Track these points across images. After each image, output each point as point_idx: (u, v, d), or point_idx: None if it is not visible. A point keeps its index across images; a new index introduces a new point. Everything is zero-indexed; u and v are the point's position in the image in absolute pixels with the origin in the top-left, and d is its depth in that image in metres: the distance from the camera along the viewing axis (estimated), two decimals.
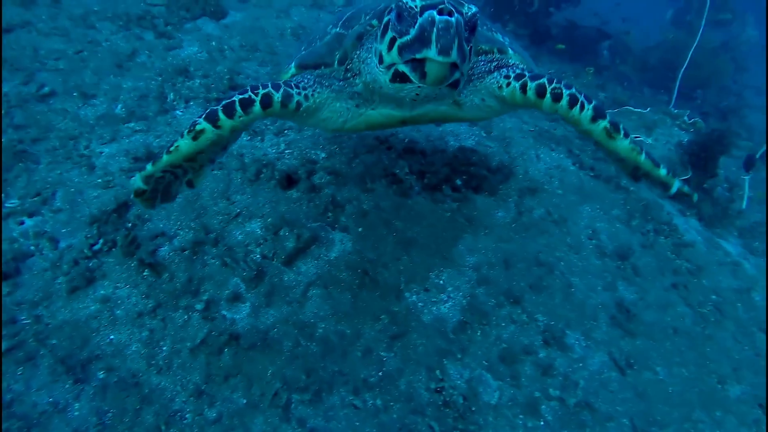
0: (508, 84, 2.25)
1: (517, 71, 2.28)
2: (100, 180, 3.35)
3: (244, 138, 3.89)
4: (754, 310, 4.50)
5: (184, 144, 2.01)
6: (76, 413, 2.30)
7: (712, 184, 5.80)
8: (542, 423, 2.80)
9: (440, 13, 1.61)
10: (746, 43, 10.76)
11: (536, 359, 3.06)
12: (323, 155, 3.92)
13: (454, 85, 1.84)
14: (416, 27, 1.65)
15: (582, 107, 2.15)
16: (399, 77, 1.80)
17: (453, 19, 1.62)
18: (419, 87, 1.80)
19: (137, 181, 2.18)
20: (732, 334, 4.05)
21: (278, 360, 2.60)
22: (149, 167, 2.12)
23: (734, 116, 10.59)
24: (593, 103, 2.16)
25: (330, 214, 3.43)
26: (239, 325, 2.69)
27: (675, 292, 4.14)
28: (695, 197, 2.47)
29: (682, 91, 10.40)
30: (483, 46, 2.34)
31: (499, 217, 3.81)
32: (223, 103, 2.02)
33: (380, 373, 2.71)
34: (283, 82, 2.18)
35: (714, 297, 4.31)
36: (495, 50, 2.38)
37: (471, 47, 1.83)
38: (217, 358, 2.52)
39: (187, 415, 2.36)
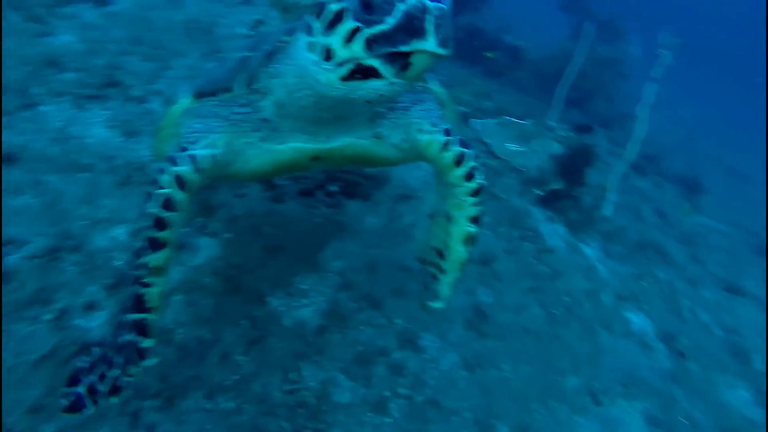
0: (432, 132, 2.17)
1: (446, 126, 2.22)
2: None
3: (118, 139, 3.90)
4: (600, 309, 5.17)
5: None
6: None
7: (579, 193, 6.49)
8: (390, 420, 3.12)
9: None
10: (631, 58, 11.93)
11: (389, 360, 3.39)
12: None
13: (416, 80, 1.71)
14: (400, 15, 1.45)
15: (478, 194, 2.28)
16: (361, 73, 1.56)
17: (445, 5, 1.47)
18: (390, 85, 1.57)
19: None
20: (576, 333, 4.64)
21: None
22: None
23: (618, 124, 11.74)
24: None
25: (200, 219, 3.55)
26: (93, 334, 2.76)
27: (531, 294, 4.67)
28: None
29: (571, 100, 11.37)
30: None
31: (369, 223, 4.11)
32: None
33: (236, 377, 2.90)
34: (180, 153, 1.97)
35: (566, 299, 4.90)
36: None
37: None
38: (64, 370, 2.59)
39: None
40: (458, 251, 2.45)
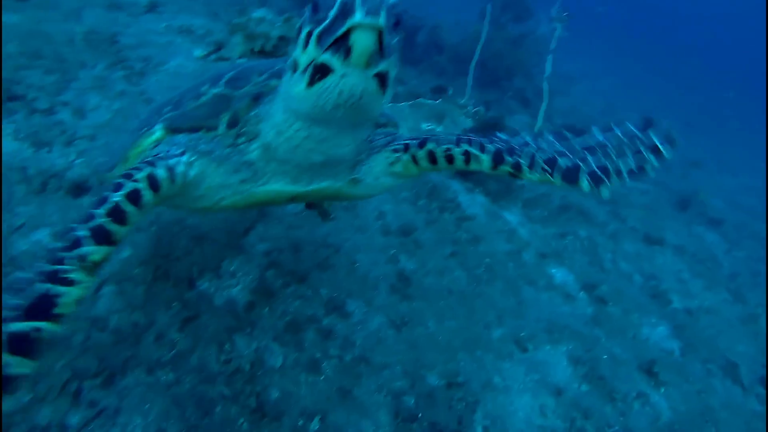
0: (398, 159, 2.29)
1: (402, 142, 2.32)
2: None
3: (28, 150, 4.14)
4: (522, 267, 5.80)
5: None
6: None
7: None
8: (322, 377, 3.56)
9: None
10: (542, 37, 12.89)
11: (319, 327, 3.83)
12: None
13: (382, 81, 1.66)
14: (336, 5, 1.51)
15: (478, 160, 2.23)
16: (319, 72, 1.60)
17: None
18: (342, 77, 1.58)
19: None
20: (500, 290, 5.23)
21: (68, 354, 3.03)
22: None
23: (538, 99, 12.66)
24: (488, 150, 2.22)
25: None
26: None
27: (453, 259, 5.22)
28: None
29: (490, 80, 12.19)
30: (380, 120, 2.33)
31: (290, 207, 4.53)
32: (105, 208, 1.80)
33: (173, 353, 3.26)
34: (153, 157, 2.00)
35: (487, 260, 5.49)
36: (389, 125, 2.43)
37: (398, 41, 1.73)
38: None
39: None
40: (545, 181, 2.40)
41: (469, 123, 6.74)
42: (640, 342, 5.76)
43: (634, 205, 9.91)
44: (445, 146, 2.25)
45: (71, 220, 1.88)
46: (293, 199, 2.29)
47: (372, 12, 1.47)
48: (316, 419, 3.28)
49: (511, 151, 2.25)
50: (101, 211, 1.81)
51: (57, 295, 1.70)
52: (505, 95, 11.88)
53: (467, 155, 2.26)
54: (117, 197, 1.83)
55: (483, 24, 9.03)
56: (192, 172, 2.04)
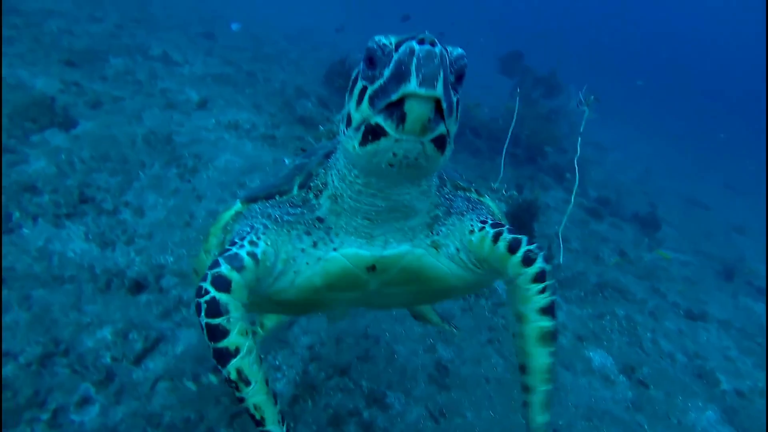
0: (481, 228, 2.05)
1: (495, 220, 2.11)
2: None
3: (95, 250, 4.52)
4: (559, 351, 5.73)
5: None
6: None
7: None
8: None
9: (420, 42, 1.41)
10: (573, 111, 13.22)
11: (360, 420, 3.92)
12: (171, 259, 4.66)
13: (440, 144, 1.53)
14: (391, 64, 1.43)
15: (542, 280, 1.98)
16: (371, 134, 1.50)
17: (437, 49, 1.40)
18: (396, 142, 1.48)
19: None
20: None
21: None
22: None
23: (572, 174, 12.81)
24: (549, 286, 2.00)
25: (176, 313, 4.14)
26: (87, 427, 3.28)
27: (490, 346, 5.28)
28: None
29: (525, 156, 12.46)
30: (461, 183, 2.21)
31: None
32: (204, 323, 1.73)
33: None
34: (229, 248, 1.88)
35: None
36: (473, 189, 2.25)
37: (459, 101, 1.59)
38: None
39: None
40: (538, 355, 2.12)
41: (502, 207, 6.93)
42: (686, 428, 5.58)
43: (675, 278, 9.75)
44: (536, 255, 1.99)
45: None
46: (372, 269, 2.01)
47: (429, 80, 1.38)
48: None
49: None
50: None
51: (248, 409, 1.78)
52: (540, 171, 12.09)
53: (541, 273, 1.99)
54: (202, 320, 1.75)
55: (514, 102, 9.37)
56: (260, 249, 1.88)
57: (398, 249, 1.99)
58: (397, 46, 1.44)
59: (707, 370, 6.81)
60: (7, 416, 3.19)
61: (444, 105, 1.43)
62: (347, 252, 1.96)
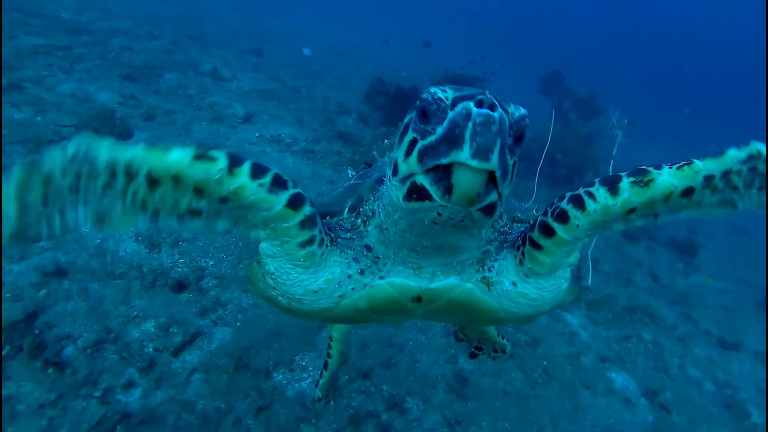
0: (523, 253, 1.87)
1: (522, 229, 1.93)
2: (8, 294, 4.25)
3: (144, 251, 4.94)
4: (581, 371, 5.88)
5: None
6: None
7: None
8: None
9: (479, 105, 1.26)
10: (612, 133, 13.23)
11: (378, 421, 4.16)
12: (212, 263, 5.03)
13: (489, 210, 1.41)
14: (445, 123, 1.29)
15: (590, 195, 1.64)
16: (416, 193, 1.39)
17: (496, 114, 1.26)
18: (441, 207, 1.37)
19: None
20: (556, 392, 5.35)
21: (163, 431, 3.55)
22: None
23: None
24: (597, 181, 1.67)
25: (213, 312, 4.49)
26: (131, 407, 3.63)
27: (511, 361, 5.43)
28: None
29: (562, 177, 12.51)
30: (518, 215, 2.06)
31: None
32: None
33: None
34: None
35: (545, 363, 5.65)
36: (531, 221, 1.99)
37: (515, 164, 1.44)
38: None
39: None
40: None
41: None
42: None
43: (710, 305, 9.60)
44: (551, 208, 1.73)
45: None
46: (418, 299, 1.95)
47: (483, 151, 1.24)
48: None
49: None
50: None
51: None
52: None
53: (577, 199, 1.67)
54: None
55: (551, 124, 9.51)
56: (322, 251, 1.80)
57: (446, 282, 1.91)
58: (454, 103, 1.30)
59: (737, 400, 6.73)
60: (69, 390, 3.59)
61: (498, 174, 1.28)
62: (394, 281, 1.91)
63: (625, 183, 1.57)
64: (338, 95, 13.19)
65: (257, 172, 1.52)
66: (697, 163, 1.54)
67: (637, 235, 11.52)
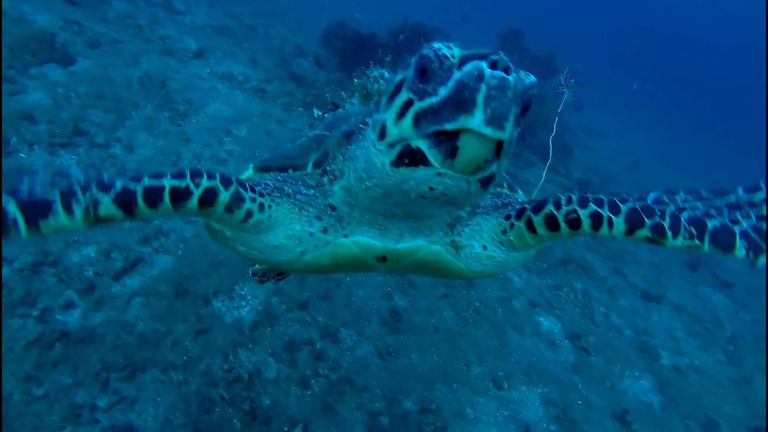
0: (512, 226, 1.85)
1: (518, 207, 1.88)
2: None
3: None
4: (511, 314, 6.30)
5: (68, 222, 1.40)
6: None
7: None
8: (310, 392, 4.15)
9: (492, 66, 1.14)
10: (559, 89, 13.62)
11: (312, 349, 4.43)
12: None
13: (487, 182, 1.33)
14: (452, 83, 1.18)
15: (610, 223, 1.70)
16: (408, 157, 1.29)
17: (511, 78, 1.15)
18: (438, 176, 1.27)
19: None
20: (485, 332, 5.75)
21: (101, 350, 3.72)
22: None
23: (559, 154, 13.25)
24: (623, 211, 1.71)
25: (155, 240, 4.61)
26: (70, 326, 3.76)
27: (444, 301, 5.78)
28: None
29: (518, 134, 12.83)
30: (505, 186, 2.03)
31: None
32: (146, 185, 1.48)
33: (184, 358, 3.91)
34: (235, 179, 1.69)
35: (477, 304, 6.03)
36: (504, 185, 2.06)
37: (517, 134, 1.35)
38: (48, 351, 3.58)
39: (14, 396, 3.35)
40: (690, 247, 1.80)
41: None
42: (618, 392, 6.15)
43: (642, 262, 10.24)
44: (569, 208, 1.72)
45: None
46: (383, 259, 1.91)
47: (498, 119, 1.14)
48: (299, 427, 3.85)
49: (649, 211, 1.72)
50: (142, 185, 1.49)
51: (53, 212, 1.40)
52: (528, 149, 12.51)
53: (597, 218, 1.71)
54: (169, 183, 1.52)
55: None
56: (259, 215, 1.74)
57: (412, 243, 1.86)
58: (462, 62, 1.18)
59: (650, 345, 7.37)
60: (4, 308, 3.68)
61: (505, 145, 1.20)
62: (358, 240, 1.86)
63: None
64: (296, 37, 12.99)
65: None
66: None
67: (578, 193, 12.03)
